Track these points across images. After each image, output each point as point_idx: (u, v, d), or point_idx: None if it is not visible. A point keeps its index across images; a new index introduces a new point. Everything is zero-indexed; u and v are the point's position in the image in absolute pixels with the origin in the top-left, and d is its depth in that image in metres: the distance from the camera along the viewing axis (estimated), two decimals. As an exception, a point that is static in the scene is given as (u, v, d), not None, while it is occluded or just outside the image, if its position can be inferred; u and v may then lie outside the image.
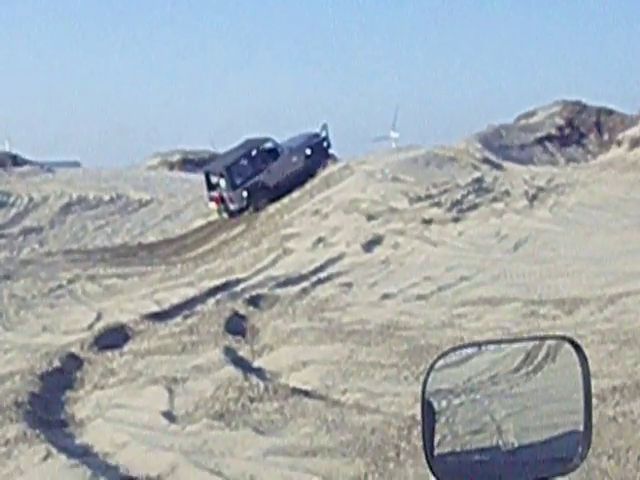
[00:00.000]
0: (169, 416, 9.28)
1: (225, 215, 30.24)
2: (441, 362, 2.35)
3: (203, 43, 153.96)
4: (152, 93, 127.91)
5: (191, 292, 17.32)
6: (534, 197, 25.04)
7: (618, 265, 15.89)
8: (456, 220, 22.78)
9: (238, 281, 18.43)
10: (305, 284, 17.36)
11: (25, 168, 42.52)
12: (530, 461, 2.32)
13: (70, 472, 7.66)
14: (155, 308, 15.76)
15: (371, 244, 21.14)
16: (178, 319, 14.71)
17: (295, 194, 29.66)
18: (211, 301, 16.16)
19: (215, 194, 30.21)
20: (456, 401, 2.34)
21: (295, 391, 9.65)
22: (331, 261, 19.83)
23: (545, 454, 2.33)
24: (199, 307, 15.68)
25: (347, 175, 29.49)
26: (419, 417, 2.36)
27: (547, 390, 2.40)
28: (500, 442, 2.31)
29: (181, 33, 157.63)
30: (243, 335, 13.23)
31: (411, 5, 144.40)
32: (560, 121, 39.70)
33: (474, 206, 24.17)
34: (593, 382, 2.35)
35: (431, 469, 2.28)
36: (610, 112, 40.34)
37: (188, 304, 15.95)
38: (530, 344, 2.42)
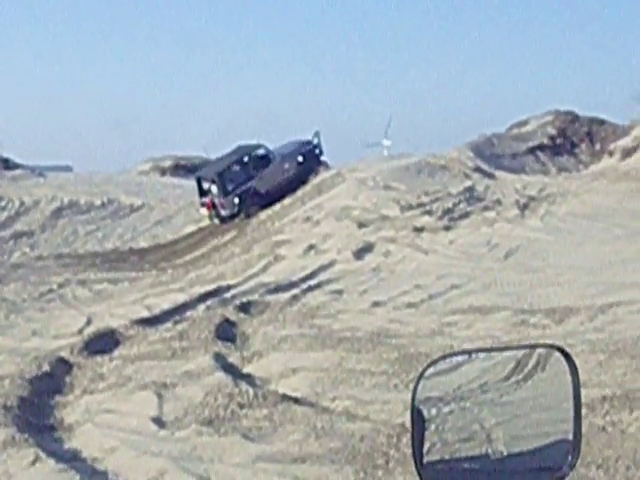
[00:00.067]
0: (158, 422, 9.27)
1: (216, 221, 30.23)
2: (431, 370, 2.34)
3: (197, 49, 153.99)
4: (145, 98, 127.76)
5: (181, 298, 17.30)
6: (525, 206, 25.06)
7: (609, 275, 15.92)
8: (447, 228, 22.79)
9: (229, 287, 18.41)
10: (296, 291, 17.35)
11: (17, 172, 42.40)
12: (519, 469, 2.31)
13: (59, 477, 7.65)
14: (145, 313, 15.74)
15: (362, 251, 21.14)
16: (168, 325, 14.69)
17: (287, 201, 29.67)
18: (201, 307, 16.14)
19: (207, 200, 30.19)
20: (446, 409, 2.34)
21: (285, 398, 9.64)
22: (322, 268, 19.83)
23: (534, 463, 2.33)
24: (189, 313, 15.67)
25: (339, 182, 29.51)
26: (408, 425, 2.36)
27: (537, 399, 2.40)
28: (489, 450, 2.31)
29: (174, 39, 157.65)
30: (233, 341, 13.22)
31: (405, 13, 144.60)
32: (552, 131, 39.76)
33: (465, 215, 24.19)
34: (583, 391, 2.35)
35: (420, 477, 2.28)
36: (602, 122, 40.42)
37: (178, 310, 15.94)
38: (520, 352, 2.42)
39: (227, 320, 14.52)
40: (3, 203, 35.88)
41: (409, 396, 2.35)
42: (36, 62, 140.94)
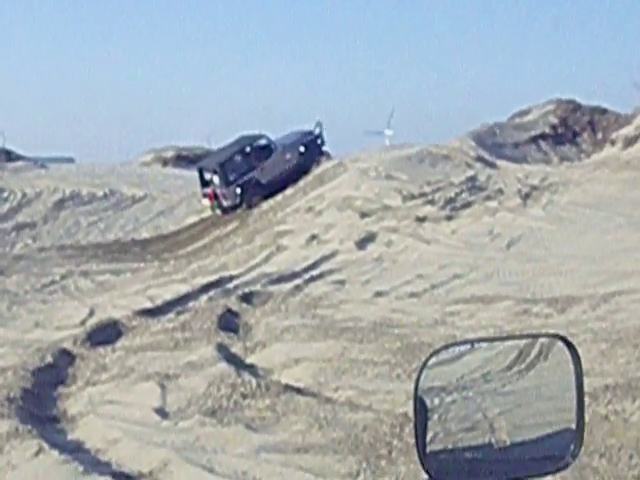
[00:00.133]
0: (161, 412, 9.28)
1: (218, 212, 30.22)
2: (434, 360, 2.34)
3: (198, 40, 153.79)
4: (147, 89, 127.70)
5: (184, 288, 17.31)
6: (527, 196, 25.03)
7: (611, 264, 15.92)
8: (449, 218, 22.78)
9: (231, 278, 18.42)
10: (298, 281, 17.35)
11: (19, 164, 42.39)
12: (522, 459, 2.32)
13: (62, 468, 7.66)
14: (148, 304, 15.75)
15: (364, 242, 21.14)
16: (171, 315, 14.69)
17: (289, 191, 29.66)
18: (204, 298, 16.15)
19: (208, 191, 30.17)
20: (448, 399, 2.34)
21: (287, 388, 9.65)
22: (324, 258, 19.83)
23: (537, 452, 2.33)
24: (192, 303, 15.67)
25: (341, 172, 29.49)
26: (411, 414, 2.36)
27: (539, 388, 2.40)
28: (492, 440, 2.31)
29: (176, 29, 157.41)
30: (236, 332, 13.22)
31: (406, 3, 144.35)
32: (554, 120, 39.70)
33: (467, 204, 24.17)
34: (585, 380, 2.35)
35: (423, 466, 2.28)
36: (604, 111, 40.36)
37: (181, 300, 15.94)
38: (523, 342, 2.42)
39: (229, 311, 14.52)
40: (5, 195, 35.88)
41: (412, 386, 2.35)
42: (38, 54, 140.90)
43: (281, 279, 17.66)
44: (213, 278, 18.43)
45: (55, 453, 7.99)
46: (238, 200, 29.78)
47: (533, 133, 38.61)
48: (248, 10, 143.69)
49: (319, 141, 32.69)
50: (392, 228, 22.09)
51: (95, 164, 45.31)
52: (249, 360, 11.34)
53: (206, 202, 30.49)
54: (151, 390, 10.11)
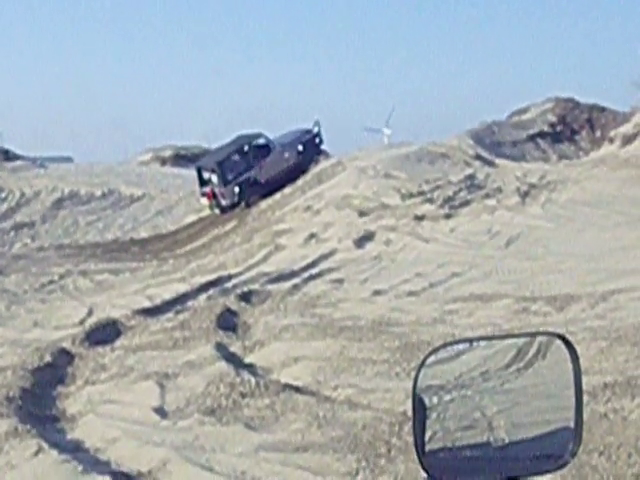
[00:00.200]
0: (160, 412, 9.28)
1: (217, 211, 30.22)
2: (432, 358, 2.35)
3: (196, 39, 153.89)
4: (145, 88, 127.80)
5: (183, 288, 17.31)
6: (526, 194, 25.03)
7: (610, 262, 15.91)
8: (448, 216, 22.77)
9: (230, 277, 18.42)
10: (297, 280, 17.35)
11: (17, 163, 42.41)
12: (521, 457, 2.32)
13: (61, 467, 7.66)
14: (147, 303, 15.74)
15: (363, 240, 21.14)
16: (170, 314, 14.69)
17: (287, 190, 29.66)
18: (203, 297, 16.15)
19: (207, 190, 30.18)
20: (447, 397, 2.34)
21: (286, 387, 9.65)
22: (323, 257, 19.82)
23: (536, 450, 2.33)
24: (191, 303, 15.66)
25: (339, 171, 29.49)
26: (410, 413, 2.36)
27: (538, 386, 2.40)
28: (491, 438, 2.31)
29: (175, 29, 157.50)
30: (235, 331, 13.22)
31: (405, 3, 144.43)
32: (552, 118, 39.75)
33: (466, 203, 24.17)
34: (584, 379, 2.35)
35: (422, 465, 2.28)
36: (602, 109, 40.42)
37: (180, 300, 15.94)
38: (521, 340, 2.43)
39: (228, 310, 14.52)
40: (4, 194, 35.89)
41: (410, 384, 2.35)
42: (36, 53, 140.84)
43: (280, 278, 17.65)
44: (212, 277, 18.42)
45: (54, 453, 7.99)
46: (236, 199, 29.79)
47: (532, 131, 38.66)
48: (247, 9, 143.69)
49: (317, 140, 32.71)
50: (391, 227, 22.09)
51: (93, 163, 45.32)
52: (248, 359, 11.34)
53: (205, 201, 30.49)
54: (150, 389, 10.12)
